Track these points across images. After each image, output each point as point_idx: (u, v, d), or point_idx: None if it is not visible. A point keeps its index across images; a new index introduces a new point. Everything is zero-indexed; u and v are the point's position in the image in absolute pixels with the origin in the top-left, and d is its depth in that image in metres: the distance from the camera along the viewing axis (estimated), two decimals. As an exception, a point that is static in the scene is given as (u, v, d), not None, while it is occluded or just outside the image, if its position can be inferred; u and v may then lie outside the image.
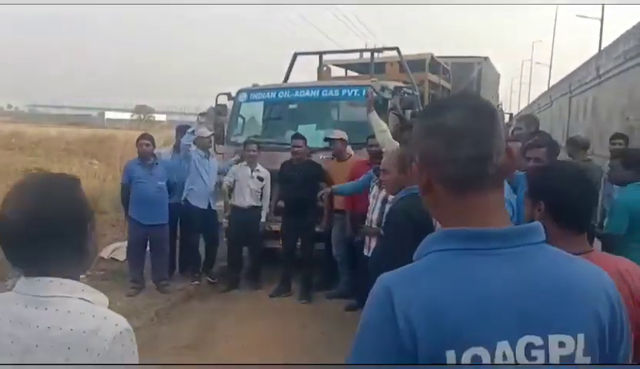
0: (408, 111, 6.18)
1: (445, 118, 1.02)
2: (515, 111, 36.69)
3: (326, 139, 5.79)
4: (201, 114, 6.57)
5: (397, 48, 7.43)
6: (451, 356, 0.89)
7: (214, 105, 7.15)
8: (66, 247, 1.23)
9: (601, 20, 31.38)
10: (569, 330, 0.93)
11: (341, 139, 5.71)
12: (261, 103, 7.10)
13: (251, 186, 6.10)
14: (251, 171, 6.09)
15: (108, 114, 73.99)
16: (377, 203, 4.49)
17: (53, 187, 1.26)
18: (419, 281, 0.95)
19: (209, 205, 6.23)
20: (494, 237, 0.97)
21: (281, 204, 6.10)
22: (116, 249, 7.02)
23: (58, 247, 1.21)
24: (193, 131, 6.13)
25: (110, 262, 6.80)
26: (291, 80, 7.96)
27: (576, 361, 0.93)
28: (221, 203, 6.49)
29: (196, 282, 6.23)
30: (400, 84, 6.53)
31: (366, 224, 4.57)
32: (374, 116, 4.98)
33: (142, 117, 61.69)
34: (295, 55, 7.94)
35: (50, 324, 1.17)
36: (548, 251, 1.01)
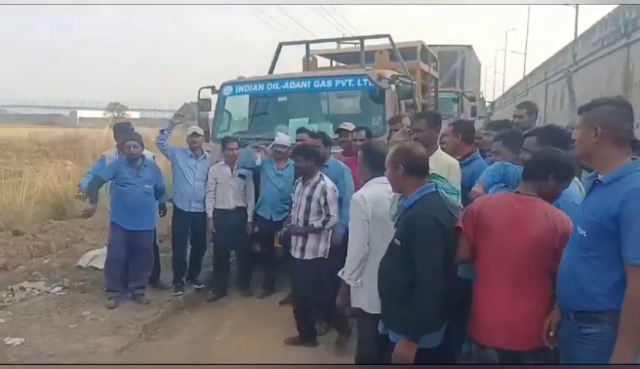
0: (408, 101, 5.84)
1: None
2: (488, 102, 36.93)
3: (337, 131, 5.38)
4: (179, 112, 6.14)
5: (389, 36, 7.04)
6: None
7: (196, 100, 6.71)
8: (383, 166, 2.95)
9: (577, 6, 31.55)
10: None
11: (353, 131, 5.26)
12: (248, 96, 6.67)
13: (235, 186, 5.71)
14: (232, 171, 5.71)
15: (81, 113, 72.42)
16: (302, 200, 4.45)
17: (380, 143, 3.62)
18: None
19: (191, 207, 5.78)
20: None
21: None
22: (95, 257, 6.53)
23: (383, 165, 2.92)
24: (162, 130, 5.74)
25: (89, 271, 6.30)
26: (274, 73, 7.51)
27: None
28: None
29: (180, 292, 5.78)
30: (396, 72, 6.15)
31: (291, 223, 4.48)
32: None
33: (115, 115, 60.52)
34: (280, 45, 7.49)
35: None
36: None
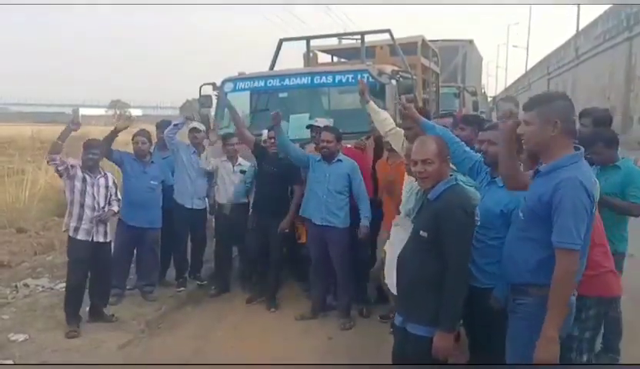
0: (408, 96, 5.84)
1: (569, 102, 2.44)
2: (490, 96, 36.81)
3: (309, 127, 5.35)
4: (181, 108, 6.13)
5: (389, 31, 7.04)
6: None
7: (197, 96, 6.71)
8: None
9: (578, 5, 31.42)
10: None
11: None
12: (249, 92, 6.68)
13: (235, 181, 5.73)
14: (233, 166, 5.74)
15: (83, 111, 72.30)
16: (101, 190, 4.82)
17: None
18: (590, 175, 2.34)
19: (193, 204, 5.80)
20: (580, 155, 2.36)
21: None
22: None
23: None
24: (177, 125, 5.72)
25: (92, 268, 6.33)
26: (275, 69, 7.50)
27: None
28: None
29: (182, 288, 5.82)
30: (397, 68, 6.16)
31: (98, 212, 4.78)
32: (371, 105, 4.50)
33: (117, 112, 60.44)
34: (281, 42, 7.49)
35: None
36: None
